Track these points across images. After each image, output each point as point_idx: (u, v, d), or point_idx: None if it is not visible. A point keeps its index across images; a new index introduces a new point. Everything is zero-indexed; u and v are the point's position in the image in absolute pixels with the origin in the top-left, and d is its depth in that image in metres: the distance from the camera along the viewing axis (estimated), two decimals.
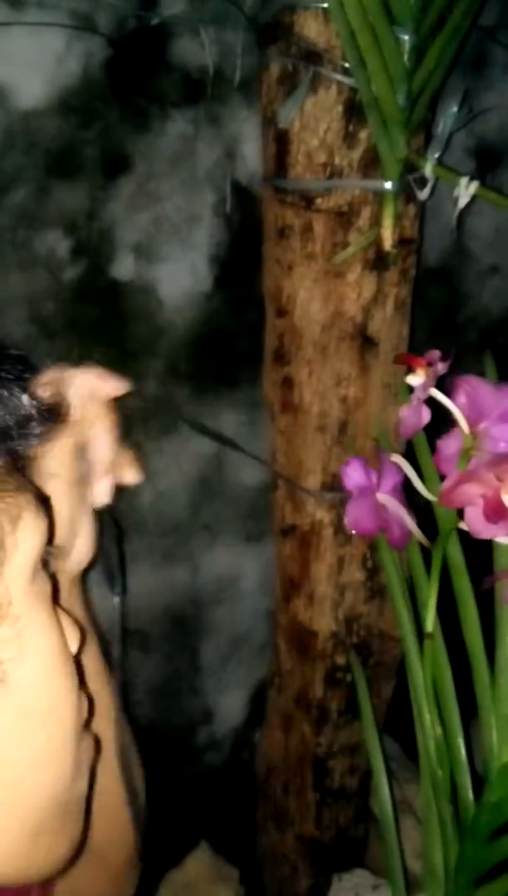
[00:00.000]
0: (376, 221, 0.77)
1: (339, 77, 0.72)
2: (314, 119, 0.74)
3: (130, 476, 0.55)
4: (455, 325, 1.29)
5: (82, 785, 0.41)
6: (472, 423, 0.66)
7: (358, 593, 0.92)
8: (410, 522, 0.73)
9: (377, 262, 0.79)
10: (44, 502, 0.38)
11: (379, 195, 0.76)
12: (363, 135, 0.74)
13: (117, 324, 1.04)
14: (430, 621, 0.72)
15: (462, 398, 0.65)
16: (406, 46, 0.70)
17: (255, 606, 1.26)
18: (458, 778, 0.70)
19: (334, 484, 0.88)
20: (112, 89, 0.95)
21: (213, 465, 1.18)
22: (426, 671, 0.72)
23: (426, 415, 0.68)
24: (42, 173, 0.94)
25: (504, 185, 1.23)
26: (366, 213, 0.77)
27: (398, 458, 0.72)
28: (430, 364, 0.66)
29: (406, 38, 0.70)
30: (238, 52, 0.98)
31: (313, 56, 0.72)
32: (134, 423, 1.11)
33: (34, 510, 0.37)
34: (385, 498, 0.72)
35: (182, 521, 1.19)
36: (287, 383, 0.85)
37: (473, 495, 0.63)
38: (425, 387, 0.67)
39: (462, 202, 0.73)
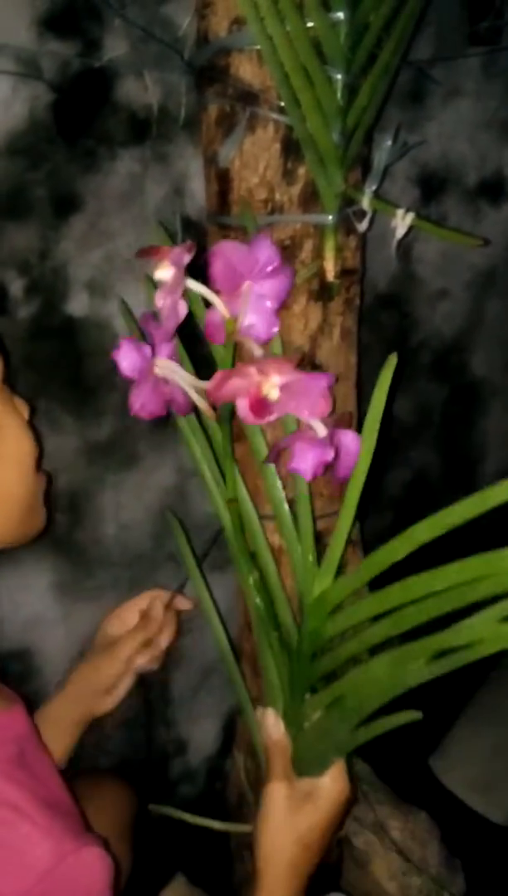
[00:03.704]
0: (318, 254, 0.79)
1: (275, 116, 0.74)
2: (254, 157, 0.76)
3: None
4: (408, 348, 1.32)
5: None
6: (235, 287, 0.69)
7: None
8: (193, 394, 0.74)
9: (322, 292, 0.81)
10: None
11: (320, 228, 0.78)
12: (301, 171, 0.76)
13: (74, 360, 1.06)
14: (230, 488, 0.79)
15: (217, 265, 0.67)
16: (339, 85, 0.72)
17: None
18: (279, 611, 0.80)
19: (291, 509, 0.89)
20: (59, 131, 0.97)
21: (175, 496, 1.19)
22: (236, 531, 0.79)
23: (182, 309, 0.71)
24: None
25: (449, 211, 1.26)
26: (308, 246, 0.79)
27: (166, 363, 0.73)
28: (172, 254, 0.68)
29: (339, 77, 0.72)
30: (182, 90, 1.01)
31: (249, 97, 0.74)
32: (96, 457, 1.12)
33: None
34: (164, 366, 0.73)
35: (146, 552, 1.20)
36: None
37: (239, 388, 0.67)
38: (176, 279, 0.69)
39: (400, 232, 0.75)
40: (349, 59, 0.72)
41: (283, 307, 0.82)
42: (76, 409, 1.09)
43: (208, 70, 0.76)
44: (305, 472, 0.70)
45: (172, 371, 0.73)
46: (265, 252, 0.68)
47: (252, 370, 0.66)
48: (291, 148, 0.75)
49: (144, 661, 0.94)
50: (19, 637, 1.14)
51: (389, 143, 0.75)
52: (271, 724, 0.77)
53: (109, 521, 1.17)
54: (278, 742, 0.76)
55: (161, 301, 0.71)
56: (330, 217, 0.76)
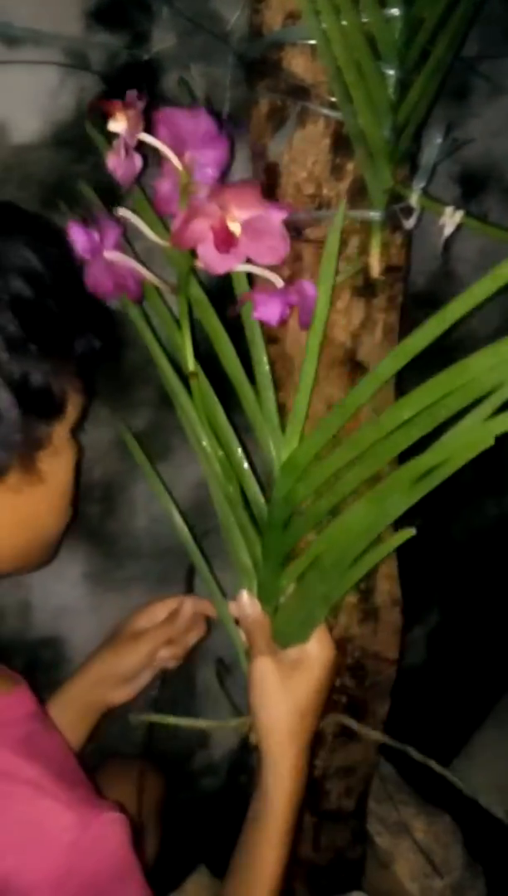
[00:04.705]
0: (364, 250, 0.79)
1: (326, 111, 0.74)
2: (302, 152, 0.76)
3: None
4: (444, 347, 1.31)
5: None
6: (179, 156, 0.70)
7: (352, 615, 0.93)
8: (143, 271, 0.78)
9: (365, 289, 0.80)
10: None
11: (367, 225, 0.78)
12: (349, 167, 0.76)
13: (112, 351, 1.06)
14: (190, 361, 0.79)
15: (163, 132, 0.69)
16: (391, 81, 0.72)
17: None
18: (246, 487, 0.81)
19: None
20: (105, 123, 0.97)
21: (206, 490, 1.19)
22: (198, 406, 0.81)
23: (138, 161, 0.72)
24: (38, 206, 0.95)
25: (491, 210, 1.25)
26: (354, 242, 0.79)
27: (124, 211, 0.77)
28: (127, 106, 0.70)
29: (391, 72, 0.72)
30: (227, 85, 1.00)
31: (300, 91, 0.74)
32: (129, 450, 1.13)
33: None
34: (112, 254, 0.76)
35: (176, 545, 1.20)
36: (279, 409, 0.87)
37: (203, 230, 0.68)
38: (131, 132, 0.70)
39: (448, 230, 0.74)
40: (402, 55, 0.71)
41: None
42: (111, 400, 1.09)
43: (260, 64, 0.76)
44: (271, 318, 0.73)
45: (121, 259, 0.77)
46: (205, 121, 0.69)
47: (213, 206, 0.67)
48: (340, 143, 0.75)
49: (165, 656, 0.95)
50: (51, 625, 1.15)
51: (439, 140, 0.75)
52: (247, 604, 0.80)
53: (141, 513, 1.18)
54: (256, 619, 0.79)
55: (114, 158, 0.73)
56: (377, 213, 0.76)
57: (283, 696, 0.75)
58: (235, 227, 0.68)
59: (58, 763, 0.68)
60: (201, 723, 1.02)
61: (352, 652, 0.94)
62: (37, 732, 0.71)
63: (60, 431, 0.71)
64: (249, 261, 0.72)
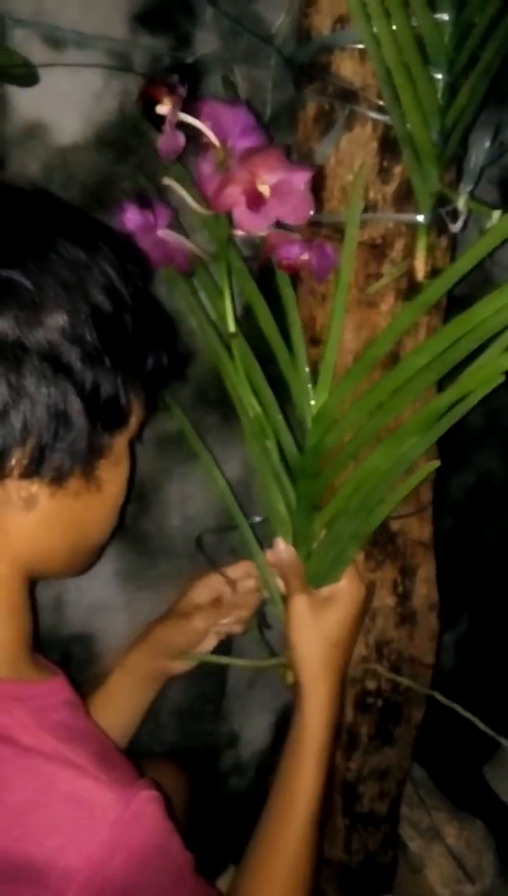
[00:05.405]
0: (409, 253, 0.79)
1: (374, 115, 0.74)
2: (350, 155, 0.76)
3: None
4: (481, 352, 1.30)
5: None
6: (220, 144, 0.76)
7: (389, 618, 0.93)
8: (189, 245, 0.85)
9: (410, 292, 0.80)
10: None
11: (412, 228, 0.78)
12: (396, 170, 0.76)
13: (180, 369, 1.06)
14: (231, 324, 0.85)
15: (206, 120, 0.76)
16: (440, 84, 0.72)
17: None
18: (282, 439, 0.87)
19: None
20: (148, 125, 0.97)
21: (240, 489, 1.19)
22: (238, 365, 0.86)
23: (181, 139, 0.78)
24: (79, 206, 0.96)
25: None
26: (399, 245, 0.79)
27: (169, 180, 0.84)
28: (172, 90, 0.76)
29: (440, 76, 0.72)
30: (269, 88, 1.01)
31: (349, 94, 0.75)
32: (165, 449, 1.13)
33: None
34: (165, 232, 0.85)
35: (210, 544, 1.21)
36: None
37: (236, 195, 0.75)
38: (174, 113, 0.76)
39: None
40: (451, 59, 0.71)
41: (369, 305, 0.82)
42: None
43: (309, 67, 0.76)
44: (292, 256, 0.78)
45: (172, 237, 0.84)
46: (244, 114, 0.76)
47: (243, 172, 0.74)
48: (387, 146, 0.75)
49: (229, 623, 0.99)
50: (83, 622, 1.16)
51: (487, 143, 0.75)
52: (282, 549, 0.87)
53: (175, 512, 1.18)
54: (291, 562, 0.86)
55: (163, 137, 0.79)
56: (423, 216, 0.76)
57: (317, 628, 0.82)
58: (264, 189, 0.74)
59: (96, 747, 0.70)
60: (240, 661, 1.08)
61: (388, 655, 0.94)
62: (75, 718, 0.73)
63: (121, 442, 0.72)
64: (279, 225, 0.78)
